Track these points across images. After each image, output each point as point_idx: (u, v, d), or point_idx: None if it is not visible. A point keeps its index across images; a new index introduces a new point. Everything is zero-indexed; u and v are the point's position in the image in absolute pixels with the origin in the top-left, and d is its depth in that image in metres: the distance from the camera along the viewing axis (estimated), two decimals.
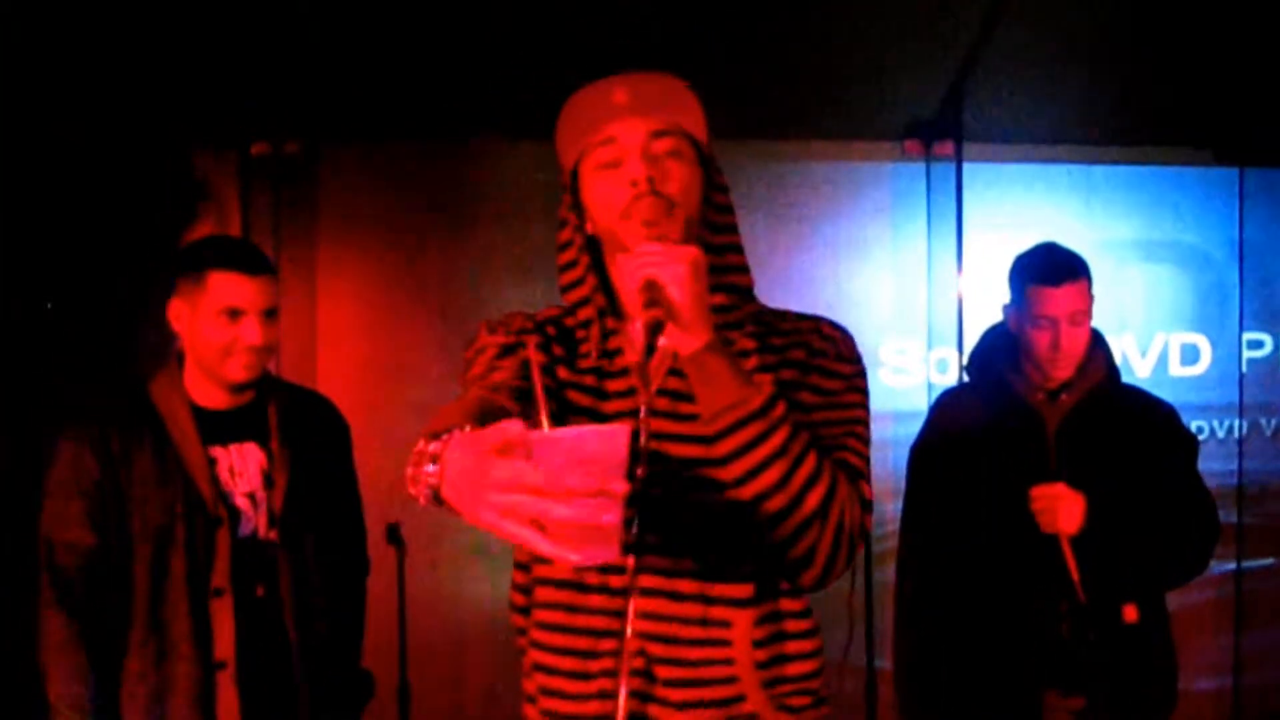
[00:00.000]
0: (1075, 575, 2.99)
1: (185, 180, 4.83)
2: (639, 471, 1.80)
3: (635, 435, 1.64)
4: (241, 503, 2.86)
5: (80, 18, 4.02)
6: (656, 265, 1.67)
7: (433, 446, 1.54)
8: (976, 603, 3.12)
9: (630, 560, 1.81)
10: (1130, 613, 3.05)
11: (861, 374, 1.95)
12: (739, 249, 1.96)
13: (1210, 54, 4.52)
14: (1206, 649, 5.06)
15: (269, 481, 2.89)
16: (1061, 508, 2.97)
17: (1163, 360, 5.23)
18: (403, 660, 3.90)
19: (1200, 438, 4.80)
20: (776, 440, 1.70)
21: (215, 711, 2.78)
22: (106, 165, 4.59)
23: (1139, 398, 3.26)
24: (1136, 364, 5.18)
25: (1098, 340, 3.22)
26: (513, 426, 1.41)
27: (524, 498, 1.35)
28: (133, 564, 2.77)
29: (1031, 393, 3.16)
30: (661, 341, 1.67)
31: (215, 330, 2.78)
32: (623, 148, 1.85)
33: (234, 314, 2.78)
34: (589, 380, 1.92)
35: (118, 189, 4.59)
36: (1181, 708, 3.20)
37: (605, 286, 1.97)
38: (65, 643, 2.71)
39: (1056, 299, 3.06)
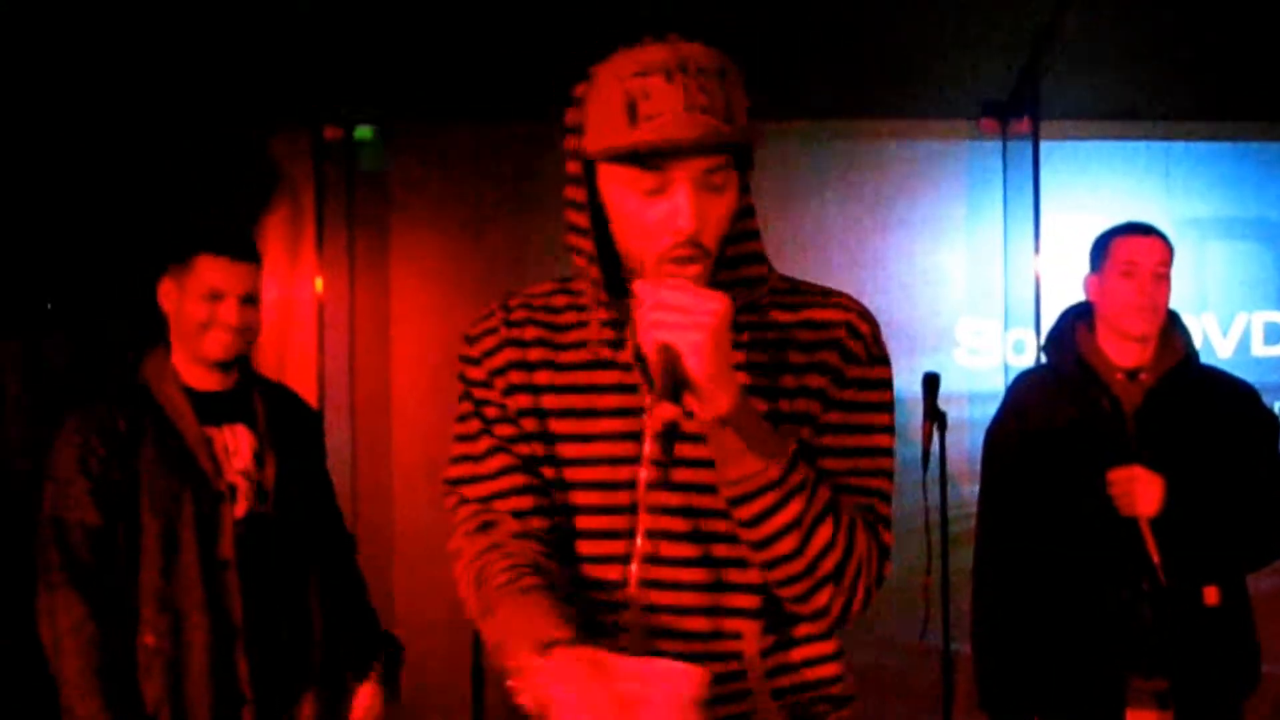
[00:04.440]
0: (1155, 558, 2.97)
1: (259, 163, 4.89)
2: (652, 475, 1.70)
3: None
4: (237, 480, 2.97)
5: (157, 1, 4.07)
6: (673, 330, 1.52)
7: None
8: (1056, 586, 3.10)
9: (633, 571, 1.72)
10: (1211, 595, 3.02)
11: (889, 379, 1.79)
12: (756, 234, 1.77)
13: None
14: None
15: (260, 460, 3.01)
16: (1139, 490, 2.95)
17: (1245, 340, 5.14)
18: (476, 644, 3.93)
19: None
20: (792, 510, 1.62)
21: (231, 680, 2.88)
22: (184, 149, 4.66)
23: (1218, 379, 3.23)
24: (1218, 344, 5.09)
25: (1176, 321, 3.19)
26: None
27: None
28: (141, 541, 2.86)
29: (1110, 373, 3.12)
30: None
31: (197, 310, 2.91)
32: (672, 181, 1.63)
33: (216, 296, 2.91)
34: (579, 377, 1.79)
35: (195, 172, 4.65)
36: (1264, 690, 3.17)
37: (611, 256, 1.78)
38: (80, 622, 2.77)
39: (1143, 246, 3.11)
